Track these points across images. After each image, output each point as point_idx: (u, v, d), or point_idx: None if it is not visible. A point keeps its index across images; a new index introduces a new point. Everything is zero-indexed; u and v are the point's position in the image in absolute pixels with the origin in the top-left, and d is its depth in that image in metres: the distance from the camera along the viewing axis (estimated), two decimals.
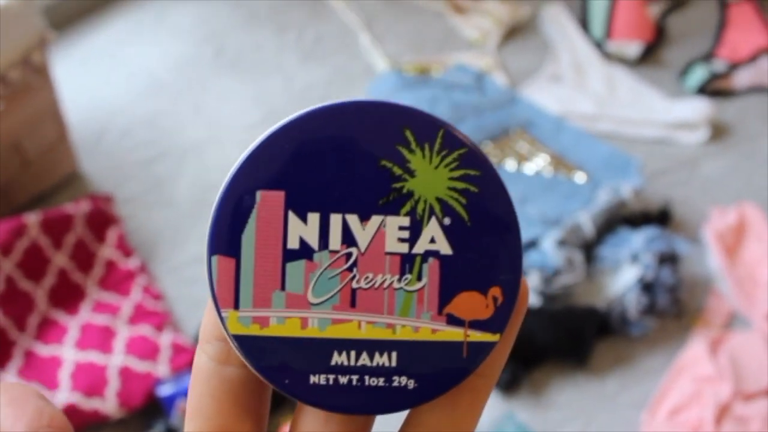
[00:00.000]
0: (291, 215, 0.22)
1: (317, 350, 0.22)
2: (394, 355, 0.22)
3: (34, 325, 1.08)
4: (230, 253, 0.22)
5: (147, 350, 1.07)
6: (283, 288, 0.22)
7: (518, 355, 1.11)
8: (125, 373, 1.04)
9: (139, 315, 1.12)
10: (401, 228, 0.22)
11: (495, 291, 0.22)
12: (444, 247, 0.22)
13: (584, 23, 1.71)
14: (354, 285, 0.22)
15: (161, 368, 1.05)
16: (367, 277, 0.22)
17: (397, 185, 0.22)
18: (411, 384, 0.22)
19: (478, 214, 0.22)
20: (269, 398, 0.25)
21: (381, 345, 0.22)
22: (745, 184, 1.43)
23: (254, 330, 0.22)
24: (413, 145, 0.22)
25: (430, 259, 0.22)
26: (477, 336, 0.22)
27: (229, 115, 1.50)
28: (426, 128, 0.22)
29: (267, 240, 0.22)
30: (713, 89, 1.61)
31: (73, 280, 1.14)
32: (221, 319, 0.22)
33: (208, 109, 1.51)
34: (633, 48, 1.66)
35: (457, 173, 0.22)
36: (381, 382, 0.22)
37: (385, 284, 0.22)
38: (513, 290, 0.22)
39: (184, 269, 1.23)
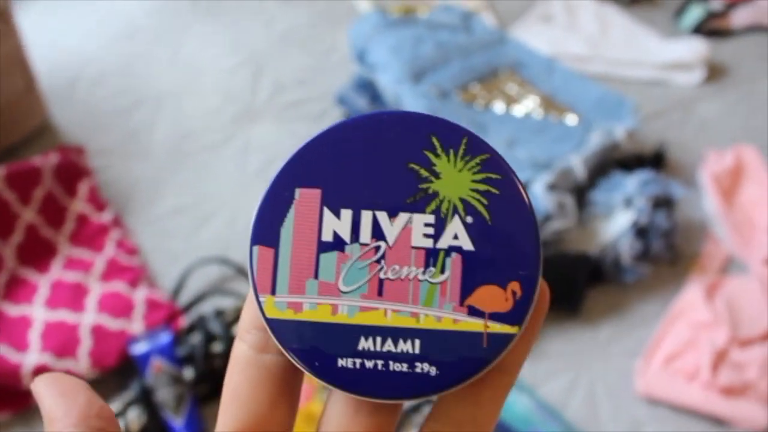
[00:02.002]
0: (326, 211, 0.24)
1: (346, 335, 0.24)
2: (417, 342, 0.24)
3: (2, 284, 1.02)
4: (270, 243, 0.24)
5: (120, 307, 1.01)
6: (316, 276, 0.24)
7: None
8: (98, 332, 0.98)
9: (113, 271, 1.06)
10: (426, 224, 0.24)
11: (514, 285, 0.24)
12: (466, 243, 0.24)
13: None
14: (381, 276, 0.24)
15: (135, 325, 0.99)
16: (394, 269, 0.24)
17: (424, 186, 0.24)
18: (433, 371, 0.24)
19: (499, 213, 0.24)
20: (301, 387, 0.26)
21: (405, 332, 0.24)
22: (742, 126, 1.37)
23: (288, 315, 0.24)
24: (439, 150, 0.24)
25: (453, 254, 0.24)
26: (497, 327, 0.24)
27: (208, 60, 1.43)
28: (451, 135, 0.24)
29: (303, 233, 0.24)
30: (710, 29, 1.54)
31: (42, 236, 1.08)
32: (259, 303, 0.24)
33: (185, 55, 1.43)
34: None
35: (479, 176, 0.24)
36: (405, 367, 0.24)
37: (411, 276, 0.24)
38: (532, 285, 0.24)
39: (160, 222, 1.17)
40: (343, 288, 0.24)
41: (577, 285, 1.07)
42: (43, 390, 0.23)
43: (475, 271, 0.24)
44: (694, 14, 1.53)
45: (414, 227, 0.24)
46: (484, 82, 1.24)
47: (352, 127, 0.25)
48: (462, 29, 1.34)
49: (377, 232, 0.24)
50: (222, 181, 1.23)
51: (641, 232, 1.09)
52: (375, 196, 0.24)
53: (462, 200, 0.24)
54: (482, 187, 0.24)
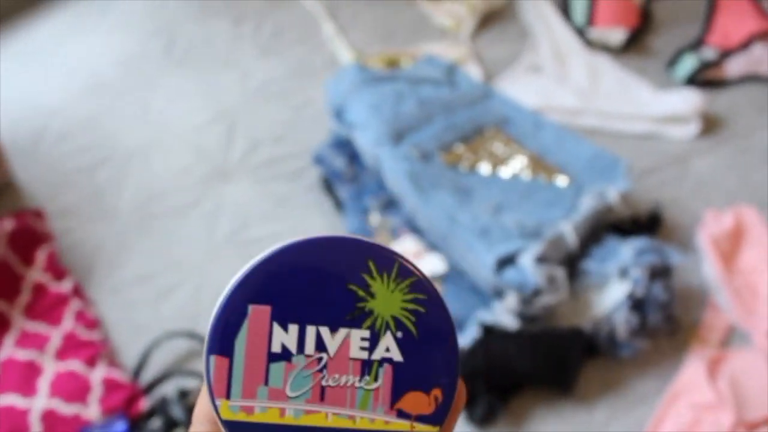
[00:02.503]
0: (275, 325, 0.27)
1: None
2: None
3: None
4: (225, 353, 0.27)
5: (75, 390, 0.93)
6: (266, 383, 0.27)
7: (495, 384, 0.98)
8: (49, 419, 0.90)
9: (70, 347, 0.98)
10: (363, 339, 0.28)
11: (436, 391, 0.28)
12: (396, 355, 0.28)
13: (565, 9, 1.58)
14: (323, 383, 0.28)
15: (91, 410, 0.92)
16: (334, 377, 0.28)
17: (361, 305, 0.28)
18: None
19: (425, 329, 0.28)
20: None
21: None
22: (740, 183, 1.30)
23: (241, 416, 0.27)
24: (375, 273, 0.28)
25: (385, 365, 0.28)
26: (421, 428, 0.28)
27: (178, 116, 1.36)
28: (385, 260, 0.28)
29: (255, 344, 0.27)
30: (704, 79, 1.48)
31: None
32: (215, 407, 0.27)
33: (155, 110, 1.36)
34: (617, 35, 1.53)
35: (409, 296, 0.28)
36: None
37: (349, 383, 0.28)
38: (451, 390, 0.28)
39: (124, 291, 1.09)
40: (290, 393, 0.27)
41: (569, 363, 1.00)
42: None
43: (404, 380, 0.28)
44: (688, 64, 1.47)
45: (352, 341, 0.27)
46: (468, 141, 1.17)
47: (299, 251, 0.28)
48: (446, 83, 1.27)
49: (320, 345, 0.27)
50: (190, 247, 1.15)
51: (638, 304, 1.02)
52: (319, 313, 0.27)
53: (394, 318, 0.28)
54: (411, 306, 0.28)
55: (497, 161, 1.15)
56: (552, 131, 1.22)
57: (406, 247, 1.10)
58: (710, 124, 1.40)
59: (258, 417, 0.27)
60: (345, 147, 1.21)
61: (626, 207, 1.14)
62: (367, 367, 0.28)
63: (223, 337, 0.27)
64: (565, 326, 1.03)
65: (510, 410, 1.00)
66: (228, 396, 0.27)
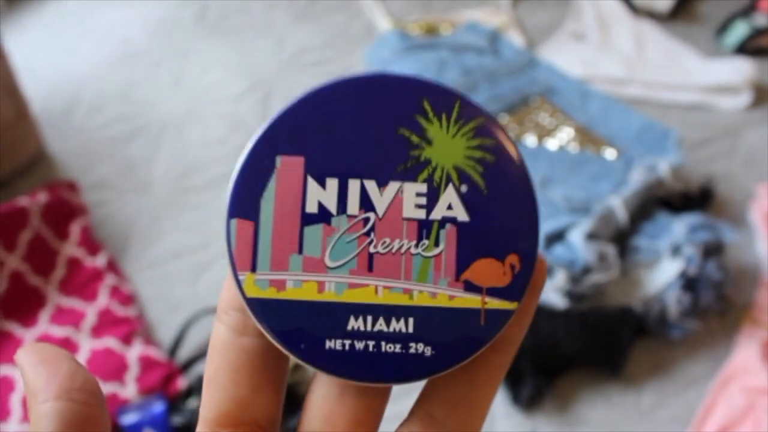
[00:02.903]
0: (310, 180, 0.22)
1: (334, 315, 0.22)
2: (411, 321, 0.22)
3: None
4: (249, 216, 0.22)
5: (112, 367, 0.91)
6: (300, 251, 0.22)
7: (542, 365, 0.95)
8: None
9: (105, 324, 0.96)
10: (418, 194, 0.22)
11: (512, 258, 0.22)
12: (461, 214, 0.22)
13: None
14: (371, 249, 0.22)
15: (128, 389, 0.89)
16: (384, 242, 0.22)
17: (415, 153, 0.22)
18: (428, 351, 0.22)
19: (495, 182, 0.22)
20: (287, 369, 0.24)
21: (398, 310, 0.22)
22: None
23: (271, 293, 0.22)
24: (431, 115, 0.22)
25: (448, 226, 0.22)
26: (495, 304, 0.22)
27: (212, 85, 1.32)
28: (443, 99, 0.22)
29: (286, 204, 0.22)
30: (755, 47, 1.42)
31: (30, 284, 0.98)
32: (238, 282, 0.22)
33: (189, 79, 1.33)
34: (664, 1, 1.46)
35: (473, 142, 0.22)
36: (398, 348, 0.22)
37: (403, 249, 0.22)
38: (531, 258, 0.22)
39: (160, 266, 1.07)
40: (329, 263, 0.22)
41: (619, 344, 0.96)
42: (23, 359, 0.21)
43: (472, 244, 0.22)
44: (739, 31, 1.41)
45: (405, 197, 0.22)
46: (513, 112, 1.13)
47: (339, 90, 0.22)
48: (489, 51, 1.23)
49: (366, 203, 0.22)
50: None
51: (690, 283, 0.98)
52: (363, 164, 0.22)
53: (456, 168, 0.22)
54: (477, 154, 0.23)
55: (543, 132, 1.10)
56: (599, 101, 1.17)
57: None
58: (762, 95, 1.34)
59: (291, 293, 0.22)
60: None
61: (677, 181, 1.09)
62: (425, 228, 0.22)
63: (246, 196, 0.22)
64: (615, 305, 0.99)
65: (556, 392, 0.96)
66: (254, 268, 0.22)
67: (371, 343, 0.22)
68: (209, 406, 0.22)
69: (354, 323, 0.22)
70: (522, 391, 0.94)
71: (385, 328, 0.22)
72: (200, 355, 0.95)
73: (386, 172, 0.22)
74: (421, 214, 0.22)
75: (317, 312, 0.22)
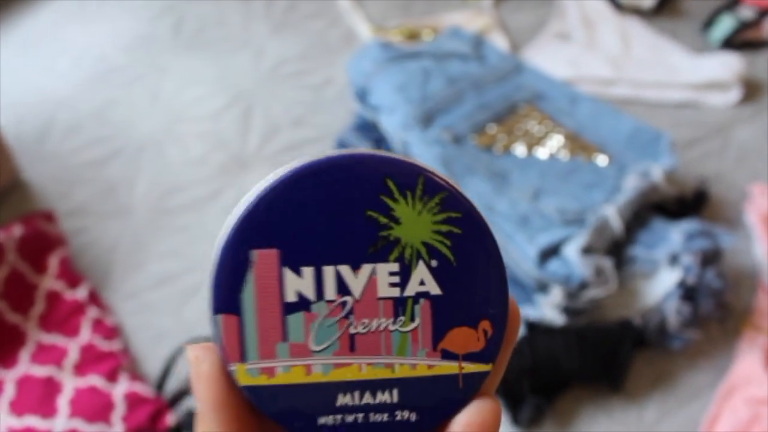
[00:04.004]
0: (286, 271, 0.22)
1: (323, 394, 0.23)
2: (395, 391, 0.23)
3: None
4: (232, 311, 0.22)
5: (97, 407, 0.86)
6: (285, 339, 0.23)
7: (541, 384, 0.91)
8: None
9: (88, 361, 0.91)
10: (391, 273, 0.23)
11: (485, 324, 0.23)
12: (433, 288, 0.23)
13: None
14: (352, 330, 0.23)
15: (115, 430, 0.85)
16: (363, 323, 0.23)
17: (384, 233, 0.23)
18: (413, 417, 0.23)
19: (463, 254, 0.23)
20: None
21: (382, 384, 0.23)
22: None
23: (263, 380, 0.23)
24: (396, 194, 0.23)
25: (421, 300, 0.23)
26: (471, 368, 0.23)
27: (191, 102, 1.27)
28: (406, 176, 0.23)
29: (266, 296, 0.23)
30: (742, 40, 1.39)
31: (8, 321, 0.93)
32: (231, 372, 0.23)
33: (166, 97, 1.28)
34: None
35: (440, 217, 0.23)
36: (385, 417, 0.23)
37: (381, 327, 0.23)
38: (502, 322, 0.24)
39: (144, 294, 1.02)
40: (314, 348, 0.23)
41: (619, 358, 0.93)
42: None
43: (445, 315, 0.23)
44: (725, 25, 1.38)
45: (379, 278, 0.23)
46: (501, 121, 1.09)
47: (305, 178, 0.23)
48: (473, 57, 1.18)
49: (342, 287, 0.23)
50: (210, 244, 1.07)
51: (689, 293, 0.94)
52: (336, 250, 0.23)
53: (425, 244, 0.23)
54: (444, 227, 0.23)
55: (533, 141, 1.06)
56: (588, 106, 1.14)
57: None
58: (752, 90, 1.31)
59: (281, 378, 0.23)
60: (370, 131, 1.13)
61: (671, 185, 1.06)
62: (400, 306, 0.23)
63: (227, 291, 0.23)
64: (613, 319, 0.96)
65: (557, 410, 0.93)
66: (243, 359, 0.23)
67: (360, 416, 0.23)
68: None
69: (342, 399, 0.23)
70: (522, 412, 0.90)
71: (371, 401, 0.23)
72: (188, 388, 0.91)
73: (358, 255, 0.23)
74: (396, 292, 0.23)
75: (307, 393, 0.23)
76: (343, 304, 0.23)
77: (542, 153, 1.06)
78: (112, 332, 0.95)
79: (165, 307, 1.01)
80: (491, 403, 0.24)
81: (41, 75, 1.30)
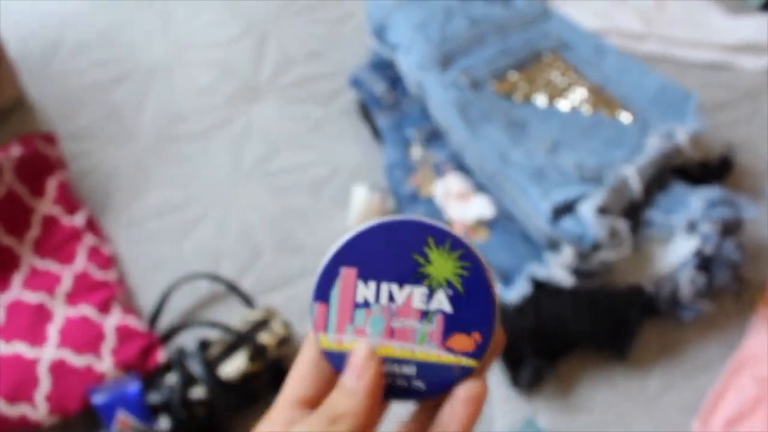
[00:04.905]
0: (359, 282, 0.35)
1: None
2: (414, 368, 0.35)
3: None
4: (325, 300, 0.35)
5: (87, 338, 0.83)
6: (352, 323, 0.35)
7: (544, 346, 0.87)
8: (58, 370, 0.80)
9: (82, 289, 0.88)
10: (422, 294, 0.34)
11: (476, 335, 0.34)
12: (447, 308, 0.34)
13: None
14: (393, 325, 0.35)
15: (104, 363, 0.82)
16: (401, 321, 0.35)
17: (421, 270, 0.34)
18: (423, 386, 0.35)
19: (469, 288, 0.34)
20: None
21: (407, 361, 0.35)
22: None
23: (335, 346, 0.35)
24: (432, 246, 0.34)
25: (438, 314, 0.34)
26: (465, 361, 0.34)
27: (203, 28, 1.21)
28: (441, 236, 0.34)
29: (345, 296, 0.35)
30: None
31: (2, 244, 0.89)
32: (317, 338, 0.35)
33: (178, 21, 1.22)
34: None
35: (458, 263, 0.34)
36: (405, 383, 0.35)
37: (411, 326, 0.35)
38: (489, 335, 0.34)
39: (143, 224, 0.98)
40: (369, 331, 0.35)
41: (627, 325, 0.88)
42: None
43: (452, 325, 0.34)
44: None
45: (415, 295, 0.34)
46: (523, 68, 1.02)
47: (379, 228, 0.35)
48: (498, 0, 1.11)
49: (391, 297, 0.35)
50: (215, 176, 1.03)
51: (705, 263, 0.89)
52: (391, 274, 0.35)
53: (446, 279, 0.34)
54: (459, 271, 0.34)
55: (555, 92, 1.00)
56: (615, 59, 1.07)
57: (450, 186, 0.97)
58: None
59: (347, 346, 0.35)
60: (386, 69, 1.06)
61: (695, 149, 1.00)
62: (425, 315, 0.34)
63: (323, 289, 0.35)
64: (624, 284, 0.91)
65: (558, 374, 0.89)
66: (326, 330, 0.35)
67: (390, 379, 0.35)
68: (291, 390, 0.35)
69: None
70: (522, 374, 0.86)
71: (398, 371, 0.35)
72: (182, 325, 0.87)
73: (404, 279, 0.34)
74: (424, 306, 0.34)
75: None
76: (390, 307, 0.34)
77: (564, 105, 1.00)
78: (107, 261, 0.92)
79: (164, 238, 0.97)
80: (480, 383, 0.34)
81: None
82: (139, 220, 0.98)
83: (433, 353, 0.35)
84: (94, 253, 0.91)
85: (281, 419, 0.34)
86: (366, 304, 0.35)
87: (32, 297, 0.86)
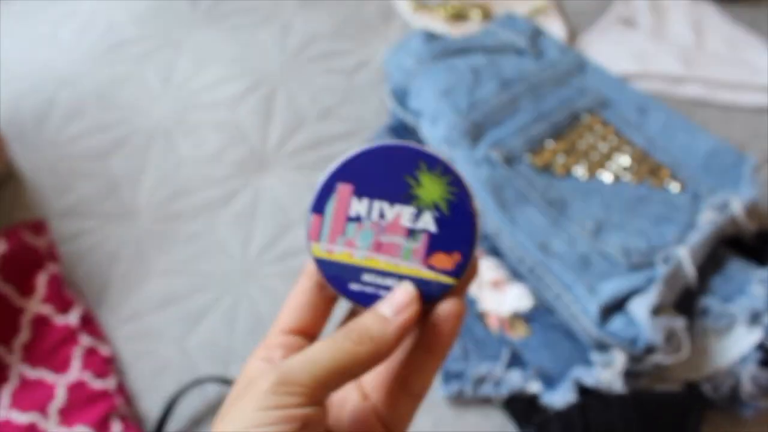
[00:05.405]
0: (353, 198, 0.36)
1: (356, 270, 0.37)
2: (396, 281, 0.36)
3: None
4: (320, 212, 0.36)
5: None
6: (344, 235, 0.36)
7: None
8: None
9: (78, 404, 0.78)
10: (411, 214, 0.36)
11: (456, 255, 0.36)
12: (432, 227, 0.36)
13: None
14: (381, 239, 0.36)
15: None
16: (388, 236, 0.36)
17: (412, 191, 0.36)
18: None
19: (454, 212, 0.36)
20: (332, 305, 0.40)
21: (390, 274, 0.36)
22: None
23: (326, 255, 0.36)
24: (424, 170, 0.36)
25: (424, 233, 0.36)
26: (444, 279, 0.36)
27: (208, 84, 1.10)
28: (432, 161, 0.36)
29: (339, 209, 0.36)
30: None
31: None
32: (309, 246, 0.37)
33: (180, 77, 1.11)
34: None
35: (446, 188, 0.36)
36: (387, 293, 0.36)
37: (397, 242, 0.36)
38: (468, 255, 0.36)
39: (144, 316, 0.88)
40: (358, 243, 0.36)
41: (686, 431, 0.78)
42: None
43: (435, 244, 0.36)
44: None
45: (403, 214, 0.36)
46: (560, 135, 0.92)
47: (372, 151, 0.36)
48: (530, 52, 1.01)
49: (381, 214, 0.36)
50: (221, 258, 0.93)
51: None
52: (383, 193, 0.36)
53: (433, 202, 0.36)
54: (447, 195, 0.36)
55: (596, 161, 0.90)
56: (660, 117, 0.96)
57: (484, 273, 0.86)
58: None
59: (336, 256, 0.37)
60: (407, 135, 0.96)
61: (751, 219, 0.89)
62: (411, 233, 0.36)
63: (320, 201, 0.36)
64: (678, 381, 0.81)
65: None
66: (318, 240, 0.36)
67: (373, 289, 0.37)
68: (283, 320, 0.38)
69: (366, 277, 0.37)
70: None
71: (381, 282, 0.37)
72: None
73: (395, 198, 0.36)
74: (411, 224, 0.36)
75: (347, 268, 0.37)
76: (380, 223, 0.36)
77: (606, 177, 0.89)
78: (105, 366, 0.82)
79: (167, 334, 0.87)
80: (459, 300, 0.36)
81: (42, 50, 1.13)
82: (140, 313, 0.89)
83: (416, 269, 0.36)
84: (91, 357, 0.82)
85: (276, 343, 0.37)
86: (358, 219, 0.36)
87: (22, 418, 0.76)
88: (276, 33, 1.17)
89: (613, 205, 0.87)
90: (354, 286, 0.37)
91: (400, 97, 0.94)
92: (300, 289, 0.38)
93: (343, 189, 0.36)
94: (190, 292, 0.90)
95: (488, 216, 0.84)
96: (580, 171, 0.89)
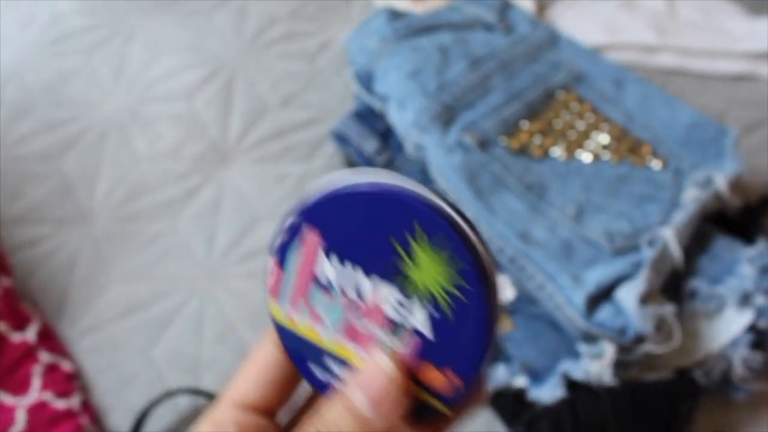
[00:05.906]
0: (321, 254, 0.26)
1: (319, 352, 0.28)
2: None
3: None
4: (280, 261, 0.27)
5: None
6: (308, 300, 0.27)
7: None
8: None
9: (39, 428, 0.72)
10: (399, 302, 0.25)
11: (453, 378, 0.25)
12: (424, 330, 0.25)
13: None
14: (354, 323, 0.27)
15: None
16: (364, 323, 0.27)
17: (403, 268, 0.25)
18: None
19: (459, 315, 0.25)
20: (297, 383, 0.31)
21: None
22: None
23: (287, 323, 0.28)
24: (418, 236, 0.24)
25: (412, 334, 0.26)
26: (432, 401, 0.26)
27: (162, 75, 1.04)
28: (432, 224, 0.24)
29: (304, 263, 0.27)
30: None
31: None
32: (268, 302, 0.28)
33: (132, 68, 1.04)
34: None
35: (451, 272, 0.24)
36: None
37: (375, 333, 0.26)
38: (470, 381, 0.26)
39: (106, 326, 0.83)
40: (325, 320, 0.27)
41: (678, 421, 0.75)
42: None
43: (425, 353, 0.25)
44: None
45: (386, 297, 0.26)
46: (535, 114, 0.87)
47: (353, 196, 0.25)
48: (499, 27, 0.95)
49: (358, 290, 0.26)
50: (185, 260, 0.87)
51: (761, 338, 0.76)
52: (360, 257, 0.26)
53: (430, 292, 0.25)
54: (450, 284, 0.24)
55: (573, 140, 0.85)
56: (636, 90, 0.92)
57: None
58: None
59: (299, 329, 0.28)
60: (375, 120, 0.91)
61: (735, 194, 0.86)
62: (396, 328, 0.26)
63: (281, 246, 0.27)
64: (668, 368, 0.77)
65: None
66: (278, 297, 0.28)
67: (332, 378, 0.28)
68: (238, 392, 0.30)
69: (329, 362, 0.28)
70: None
71: (342, 374, 0.28)
72: None
73: (375, 269, 0.25)
74: (398, 317, 0.26)
75: (309, 346, 0.28)
76: (355, 302, 0.26)
77: (585, 156, 0.84)
78: (68, 384, 0.76)
79: (132, 344, 0.82)
80: None
81: None
82: (101, 323, 0.83)
83: None
84: (52, 375, 0.76)
85: (230, 421, 0.29)
86: (327, 286, 0.27)
87: None
88: (232, 17, 1.10)
89: (593, 187, 0.82)
90: (315, 369, 0.29)
91: (365, 80, 0.88)
92: (262, 359, 0.30)
93: (311, 238, 0.26)
94: (153, 298, 0.84)
95: (464, 205, 0.79)
96: (557, 152, 0.84)
